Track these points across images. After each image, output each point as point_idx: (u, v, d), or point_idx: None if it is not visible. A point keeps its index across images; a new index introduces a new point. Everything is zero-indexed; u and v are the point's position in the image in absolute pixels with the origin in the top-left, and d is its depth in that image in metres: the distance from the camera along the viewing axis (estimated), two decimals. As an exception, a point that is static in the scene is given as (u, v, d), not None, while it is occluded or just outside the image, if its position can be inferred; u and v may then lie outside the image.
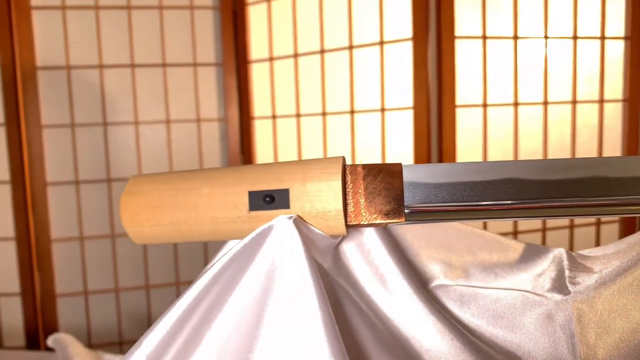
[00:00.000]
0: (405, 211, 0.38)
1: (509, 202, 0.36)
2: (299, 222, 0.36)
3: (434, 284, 0.45)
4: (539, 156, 1.44)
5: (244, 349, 0.36)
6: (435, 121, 1.34)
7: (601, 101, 1.44)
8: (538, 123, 1.41)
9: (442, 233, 0.47)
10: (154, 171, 1.12)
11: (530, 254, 0.46)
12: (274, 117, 1.52)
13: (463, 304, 0.43)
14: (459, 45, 1.32)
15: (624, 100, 1.45)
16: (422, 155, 1.33)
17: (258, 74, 1.53)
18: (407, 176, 0.38)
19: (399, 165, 0.38)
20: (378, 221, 0.38)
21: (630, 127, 1.46)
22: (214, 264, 0.35)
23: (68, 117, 1.45)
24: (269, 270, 0.35)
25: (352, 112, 1.41)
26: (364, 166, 0.39)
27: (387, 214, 0.38)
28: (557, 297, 0.41)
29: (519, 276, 0.44)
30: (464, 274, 0.45)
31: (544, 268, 0.44)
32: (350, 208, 0.38)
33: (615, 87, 1.46)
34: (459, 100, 1.33)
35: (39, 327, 1.48)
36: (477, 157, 1.37)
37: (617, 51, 1.46)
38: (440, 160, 1.35)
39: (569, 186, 0.36)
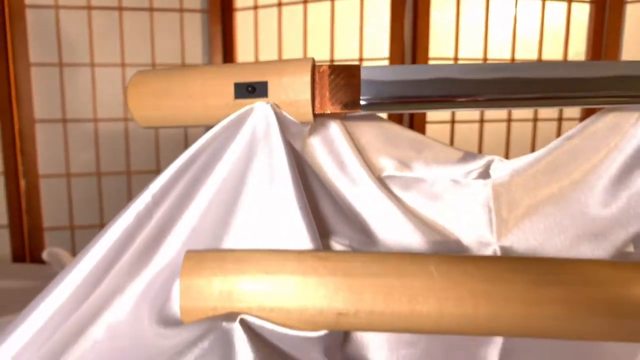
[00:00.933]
0: (362, 103, 0.47)
1: (445, 96, 0.46)
2: (275, 108, 0.45)
3: (383, 174, 0.55)
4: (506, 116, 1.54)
5: (226, 212, 0.45)
6: (408, 72, 1.42)
7: (565, 61, 1.54)
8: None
9: (394, 135, 0.56)
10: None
11: (468, 157, 0.56)
12: (257, 64, 1.58)
13: (407, 189, 0.53)
14: (434, 1, 1.40)
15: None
16: (396, 104, 1.42)
17: (242, 22, 1.58)
18: (364, 75, 0.47)
19: (358, 66, 0.47)
20: (339, 111, 0.47)
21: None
22: (204, 136, 0.44)
23: (56, 56, 1.49)
24: (249, 141, 0.44)
25: (331, 61, 1.48)
26: (329, 66, 0.47)
27: (346, 105, 0.47)
28: (481, 182, 0.51)
29: (454, 169, 0.54)
30: (408, 167, 0.55)
31: (476, 166, 0.54)
32: (317, 99, 0.47)
33: (578, 48, 1.56)
34: (431, 53, 1.41)
35: (25, 258, 1.56)
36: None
37: (582, 14, 1.55)
38: (412, 110, 1.44)
39: (492, 84, 0.45)
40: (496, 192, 0.51)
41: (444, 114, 1.46)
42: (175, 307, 0.43)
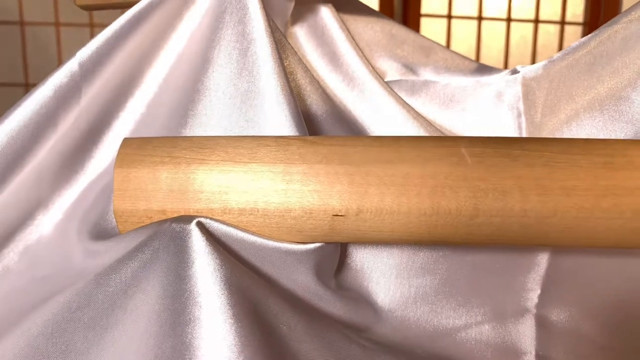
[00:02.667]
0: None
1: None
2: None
3: (386, 79, 0.44)
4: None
5: (183, 100, 0.34)
6: (399, 30, 1.32)
7: (562, 22, 1.46)
8: (500, 41, 1.42)
9: (399, 36, 0.46)
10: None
11: (484, 67, 0.46)
12: None
13: (414, 93, 0.43)
14: (427, -49, 1.30)
15: (584, 24, 1.47)
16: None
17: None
18: None
19: None
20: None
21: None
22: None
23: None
24: (214, 6, 0.33)
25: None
26: None
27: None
28: (507, 77, 0.41)
29: (462, 72, 0.44)
30: (414, 72, 0.45)
31: (497, 73, 0.44)
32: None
33: (577, 10, 1.48)
34: (423, 10, 1.31)
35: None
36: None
37: (580, -26, 1.47)
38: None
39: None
40: (526, 88, 0.40)
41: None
42: (113, 219, 0.32)
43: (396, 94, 0.42)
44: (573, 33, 1.50)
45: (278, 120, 0.33)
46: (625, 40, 0.40)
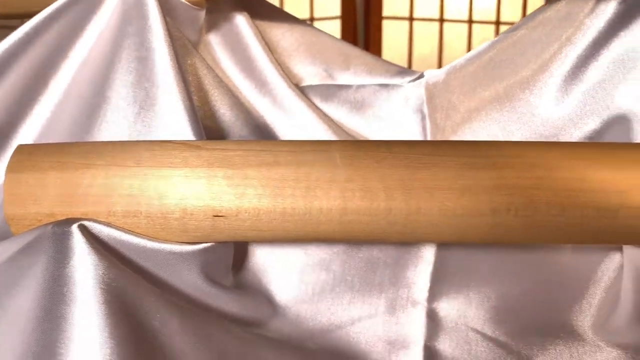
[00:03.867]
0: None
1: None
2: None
3: (303, 84, 0.46)
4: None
5: (87, 107, 0.36)
6: (362, 31, 1.34)
7: (522, 24, 1.49)
8: (463, 42, 1.45)
9: (320, 42, 0.48)
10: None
11: (405, 70, 0.48)
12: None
13: (328, 98, 0.44)
14: (387, -45, 1.32)
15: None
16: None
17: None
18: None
19: None
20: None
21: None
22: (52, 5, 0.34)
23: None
24: (117, 15, 0.35)
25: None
26: None
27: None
28: (413, 83, 0.43)
29: (385, 78, 0.46)
30: (332, 77, 0.46)
31: (412, 75, 0.46)
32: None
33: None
34: (385, 12, 1.33)
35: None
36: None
37: (540, -23, 1.50)
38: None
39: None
40: (429, 93, 0.42)
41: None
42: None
43: (308, 99, 0.43)
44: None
45: (177, 127, 0.34)
46: (523, 44, 0.42)
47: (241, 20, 0.44)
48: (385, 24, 1.35)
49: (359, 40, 1.35)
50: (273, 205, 0.29)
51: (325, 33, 0.49)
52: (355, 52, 0.49)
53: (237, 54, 0.43)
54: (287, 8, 1.38)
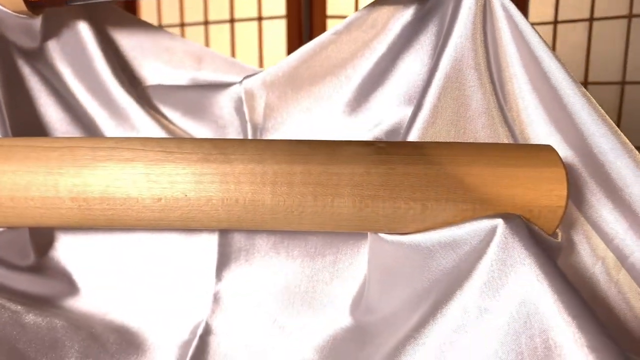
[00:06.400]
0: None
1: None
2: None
3: (147, 84, 0.50)
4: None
5: None
6: (307, 30, 1.39)
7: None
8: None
9: (171, 45, 0.52)
10: None
11: (255, 70, 0.52)
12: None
13: (162, 100, 0.49)
14: (331, -44, 1.36)
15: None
16: (294, 64, 1.38)
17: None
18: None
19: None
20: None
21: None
22: None
23: None
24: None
25: (231, 20, 1.44)
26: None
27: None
28: (236, 84, 0.48)
29: (232, 77, 0.50)
30: (180, 77, 0.51)
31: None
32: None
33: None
34: (330, 11, 1.38)
35: None
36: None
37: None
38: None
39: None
40: (248, 95, 0.47)
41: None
42: None
43: (143, 101, 0.48)
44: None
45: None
46: (332, 50, 0.47)
47: (82, 27, 0.47)
48: (330, 22, 1.39)
49: (304, 39, 1.39)
50: (54, 191, 0.34)
51: (177, 36, 0.53)
52: (208, 54, 0.52)
53: (74, 58, 0.47)
54: (236, 8, 1.43)
